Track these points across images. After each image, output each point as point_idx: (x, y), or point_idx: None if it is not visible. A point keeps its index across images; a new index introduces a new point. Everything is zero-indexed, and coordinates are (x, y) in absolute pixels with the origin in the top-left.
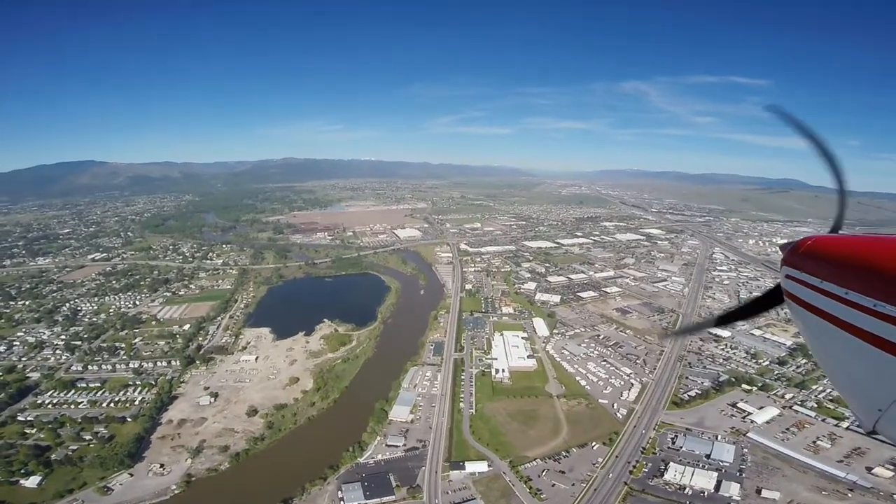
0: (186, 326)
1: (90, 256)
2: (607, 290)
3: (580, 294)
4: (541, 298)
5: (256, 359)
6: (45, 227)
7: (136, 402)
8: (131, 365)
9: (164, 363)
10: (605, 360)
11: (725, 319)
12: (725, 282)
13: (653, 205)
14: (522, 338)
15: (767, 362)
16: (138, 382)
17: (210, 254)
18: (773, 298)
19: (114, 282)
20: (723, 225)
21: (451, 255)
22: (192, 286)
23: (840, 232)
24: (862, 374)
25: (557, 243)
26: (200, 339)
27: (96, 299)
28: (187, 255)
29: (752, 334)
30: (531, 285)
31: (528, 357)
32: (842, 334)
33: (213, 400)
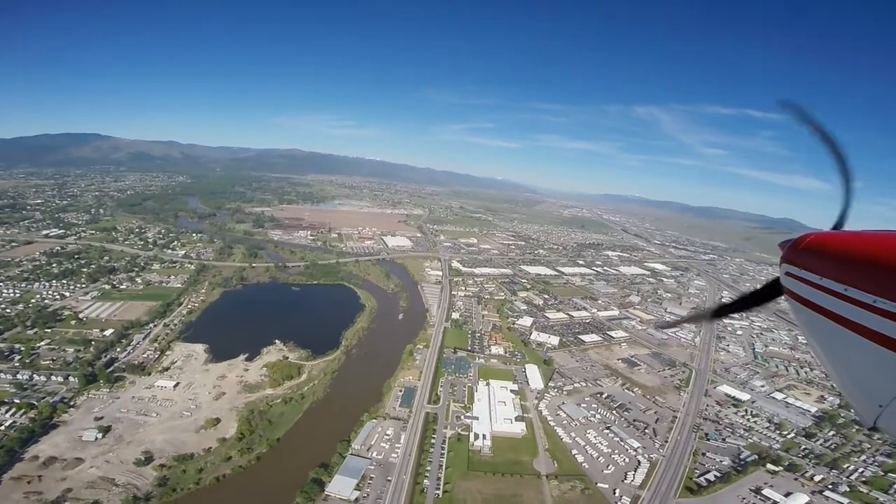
0: (109, 331)
1: (44, 232)
2: (612, 333)
3: (582, 337)
4: (537, 339)
5: (176, 385)
6: (19, 195)
7: (4, 427)
8: (20, 376)
9: (61, 378)
10: (608, 428)
11: (721, 312)
12: (738, 332)
13: (655, 236)
14: (512, 390)
15: (793, 434)
16: (17, 401)
17: (175, 242)
18: (772, 291)
19: (54, 265)
20: (727, 265)
21: (440, 273)
22: (138, 279)
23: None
24: (862, 371)
25: (558, 271)
26: (119, 349)
27: (24, 284)
28: (150, 241)
29: (774, 398)
30: (527, 321)
31: (517, 419)
32: (842, 331)
33: (100, 436)
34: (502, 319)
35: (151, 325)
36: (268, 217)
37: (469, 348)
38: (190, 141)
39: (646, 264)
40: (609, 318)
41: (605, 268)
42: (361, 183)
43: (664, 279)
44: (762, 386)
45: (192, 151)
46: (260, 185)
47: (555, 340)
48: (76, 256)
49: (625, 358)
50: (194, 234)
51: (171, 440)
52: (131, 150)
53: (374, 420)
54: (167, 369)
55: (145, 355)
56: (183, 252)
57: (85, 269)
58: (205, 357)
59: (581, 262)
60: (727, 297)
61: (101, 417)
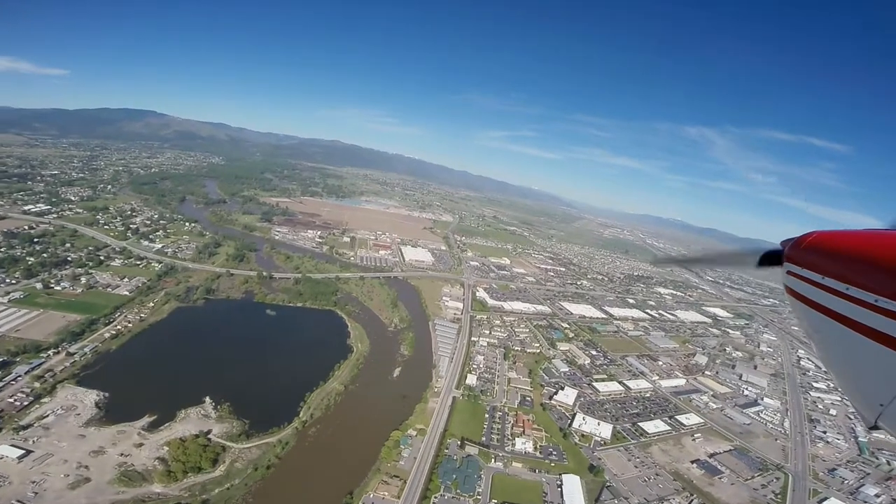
0: None
1: (25, 207)
2: (682, 419)
3: (643, 425)
4: (581, 428)
5: (24, 456)
6: (40, 164)
7: None
8: None
9: None
10: None
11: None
12: (832, 412)
13: (706, 269)
14: None
15: None
16: None
17: (159, 232)
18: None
19: (3, 249)
20: (792, 314)
21: (461, 305)
22: (83, 279)
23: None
24: (863, 370)
25: (606, 313)
26: None
27: None
28: (133, 228)
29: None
30: (569, 395)
31: None
32: (843, 330)
33: None
34: (535, 388)
35: (51, 351)
36: (281, 210)
37: (483, 441)
38: (240, 125)
39: (704, 308)
40: (674, 390)
41: (661, 311)
42: (395, 180)
43: (729, 331)
44: (877, 496)
45: (238, 135)
46: (291, 173)
47: (606, 431)
48: (35, 241)
49: (701, 460)
50: (187, 224)
51: None
52: (180, 128)
53: None
54: (27, 427)
55: (13, 399)
56: (160, 246)
57: (31, 259)
58: (91, 414)
59: (631, 301)
60: (805, 359)
61: None
